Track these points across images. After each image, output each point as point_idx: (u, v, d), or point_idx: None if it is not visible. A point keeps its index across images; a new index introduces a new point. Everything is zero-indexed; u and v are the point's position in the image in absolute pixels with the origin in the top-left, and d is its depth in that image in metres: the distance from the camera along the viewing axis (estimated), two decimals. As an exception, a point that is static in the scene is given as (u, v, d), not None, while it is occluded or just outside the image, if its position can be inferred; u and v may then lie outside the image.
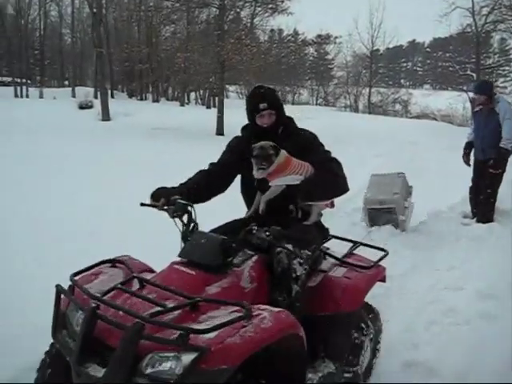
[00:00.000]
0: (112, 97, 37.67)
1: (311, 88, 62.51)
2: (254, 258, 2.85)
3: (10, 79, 49.41)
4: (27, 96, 45.57)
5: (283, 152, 3.05)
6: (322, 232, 3.39)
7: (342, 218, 7.61)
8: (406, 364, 3.75)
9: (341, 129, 20.77)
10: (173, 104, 40.11)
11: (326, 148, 3.29)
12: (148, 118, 22.49)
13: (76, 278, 2.65)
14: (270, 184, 3.08)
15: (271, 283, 2.85)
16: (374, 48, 49.21)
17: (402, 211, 7.20)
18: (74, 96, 41.10)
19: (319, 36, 30.12)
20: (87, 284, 2.61)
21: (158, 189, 3.07)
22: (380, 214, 7.16)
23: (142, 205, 3.09)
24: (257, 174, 3.07)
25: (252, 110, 3.24)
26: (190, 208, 2.94)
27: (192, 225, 2.95)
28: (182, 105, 38.84)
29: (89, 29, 45.88)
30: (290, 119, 3.37)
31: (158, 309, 2.29)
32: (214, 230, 3.12)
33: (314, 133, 3.33)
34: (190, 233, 2.91)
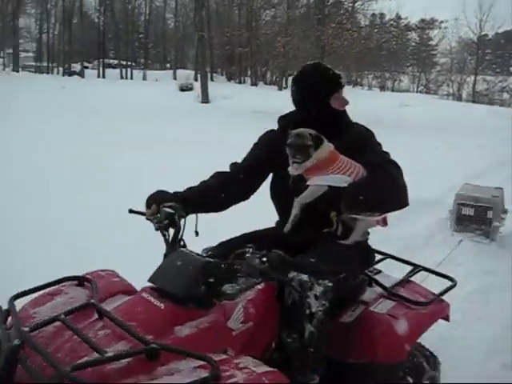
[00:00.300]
0: (211, 80, 38.44)
1: (412, 75, 60.72)
2: (258, 288, 2.21)
3: (116, 62, 51.73)
4: (131, 78, 47.74)
5: (327, 145, 2.39)
6: (364, 257, 2.61)
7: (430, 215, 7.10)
8: (505, 366, 3.54)
9: (443, 118, 20.02)
10: (271, 88, 40.30)
11: (383, 148, 2.56)
12: (246, 102, 22.75)
13: (25, 298, 2.08)
14: (307, 183, 2.39)
15: (282, 319, 2.27)
16: (482, 33, 47.08)
17: (499, 218, 6.35)
18: (175, 78, 42.49)
19: (423, 21, 29.04)
20: (36, 308, 2.06)
21: (155, 193, 2.42)
22: (471, 215, 6.41)
23: (131, 212, 2.48)
24: (291, 169, 2.41)
25: (331, 88, 2.55)
26: (179, 219, 2.27)
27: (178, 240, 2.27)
28: (280, 89, 38.91)
29: (191, 13, 46.98)
30: (343, 110, 2.68)
31: (97, 356, 1.69)
32: (220, 244, 2.54)
33: (371, 129, 2.64)
34: (170, 250, 2.25)
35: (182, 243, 2.25)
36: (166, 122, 14.89)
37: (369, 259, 2.70)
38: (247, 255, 2.08)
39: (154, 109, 18.45)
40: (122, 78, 47.28)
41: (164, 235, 2.26)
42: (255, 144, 2.74)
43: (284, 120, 2.73)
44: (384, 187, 2.32)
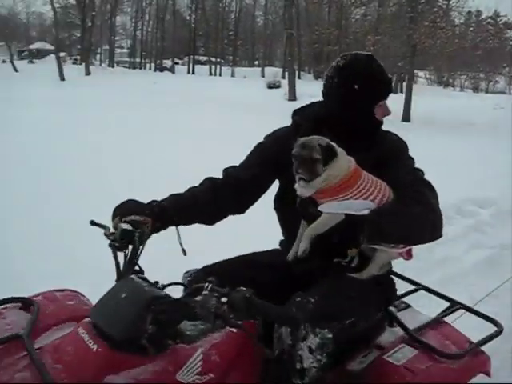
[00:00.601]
0: (299, 78, 38.47)
1: (509, 76, 58.07)
2: (229, 329, 1.65)
3: (205, 58, 52.95)
4: (220, 74, 48.75)
5: (346, 159, 1.89)
6: (384, 293, 2.06)
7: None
8: None
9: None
10: (358, 87, 39.89)
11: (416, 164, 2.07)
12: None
13: None
14: (319, 209, 1.88)
15: (264, 367, 1.75)
16: None
17: None
18: (263, 75, 42.90)
19: (524, 18, 27.69)
20: None
21: (124, 202, 1.88)
22: None
23: (93, 224, 1.93)
24: (298, 187, 1.91)
25: (383, 93, 2.07)
26: (139, 238, 1.76)
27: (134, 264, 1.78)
28: (367, 88, 38.40)
29: (280, 11, 47.15)
30: (381, 122, 2.16)
31: None
32: (206, 267, 2.04)
33: (405, 141, 2.14)
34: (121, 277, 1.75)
35: (137, 268, 1.75)
36: (256, 118, 15.15)
37: (390, 296, 2.15)
38: (204, 292, 1.49)
39: (243, 105, 18.88)
40: (211, 74, 48.29)
41: (115, 257, 1.75)
42: (259, 144, 2.20)
43: (300, 115, 2.19)
44: (415, 215, 1.86)
